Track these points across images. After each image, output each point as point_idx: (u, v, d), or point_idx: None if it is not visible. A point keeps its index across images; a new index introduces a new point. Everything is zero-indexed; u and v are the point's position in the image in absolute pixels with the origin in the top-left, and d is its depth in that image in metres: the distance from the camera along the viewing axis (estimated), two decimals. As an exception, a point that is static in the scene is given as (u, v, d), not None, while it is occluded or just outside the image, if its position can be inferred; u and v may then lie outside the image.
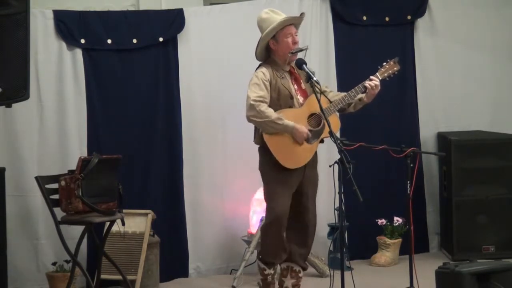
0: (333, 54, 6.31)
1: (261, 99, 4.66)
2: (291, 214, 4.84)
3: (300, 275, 5.03)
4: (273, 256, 4.85)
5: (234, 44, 6.05)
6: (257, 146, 4.87)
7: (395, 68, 4.95)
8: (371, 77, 4.86)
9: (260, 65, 4.87)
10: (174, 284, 5.88)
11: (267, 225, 4.84)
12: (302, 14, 4.92)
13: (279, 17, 4.81)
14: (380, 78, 4.87)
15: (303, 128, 4.72)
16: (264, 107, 4.64)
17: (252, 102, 4.64)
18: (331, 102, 4.78)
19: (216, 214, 6.06)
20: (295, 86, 4.87)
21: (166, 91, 5.98)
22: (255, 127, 4.83)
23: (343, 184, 4.40)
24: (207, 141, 6.04)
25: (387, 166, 6.17)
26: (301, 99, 4.84)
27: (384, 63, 4.94)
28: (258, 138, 4.81)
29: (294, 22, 4.85)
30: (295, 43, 4.79)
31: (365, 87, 4.82)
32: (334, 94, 5.02)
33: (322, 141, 4.92)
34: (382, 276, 5.84)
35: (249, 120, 4.71)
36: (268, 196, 4.85)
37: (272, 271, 4.90)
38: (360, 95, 4.86)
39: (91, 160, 4.88)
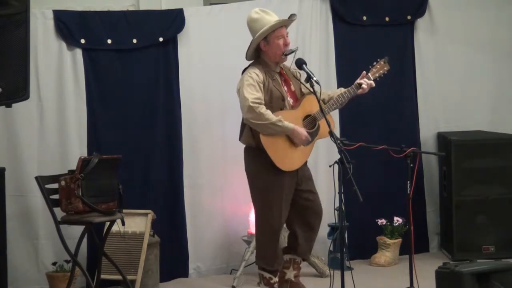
0: (333, 54, 6.31)
1: (259, 101, 4.63)
2: (298, 210, 4.82)
3: (301, 265, 5.03)
4: (272, 263, 4.81)
5: (234, 44, 6.03)
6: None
7: (385, 68, 4.97)
8: (364, 74, 4.85)
9: (250, 66, 4.83)
10: (174, 284, 5.88)
11: (264, 237, 4.79)
12: (292, 16, 4.88)
13: (270, 17, 4.78)
14: (372, 78, 4.88)
15: (303, 130, 4.70)
16: (263, 109, 4.62)
17: (251, 104, 4.60)
18: (325, 103, 4.79)
19: (216, 214, 6.06)
20: (285, 88, 4.85)
21: (166, 91, 5.98)
22: (242, 125, 4.80)
23: (343, 184, 4.39)
24: (207, 141, 6.04)
25: (387, 166, 6.16)
26: (291, 101, 4.83)
27: (375, 63, 4.96)
28: (247, 137, 4.75)
29: (286, 24, 4.83)
30: (286, 44, 4.76)
31: (358, 87, 4.81)
32: (323, 92, 4.97)
33: None
34: (382, 276, 5.84)
35: (249, 122, 4.66)
36: (263, 204, 4.78)
37: (277, 278, 4.88)
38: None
39: (91, 160, 4.88)
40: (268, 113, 4.62)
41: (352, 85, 4.85)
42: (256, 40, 4.76)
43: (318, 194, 5.83)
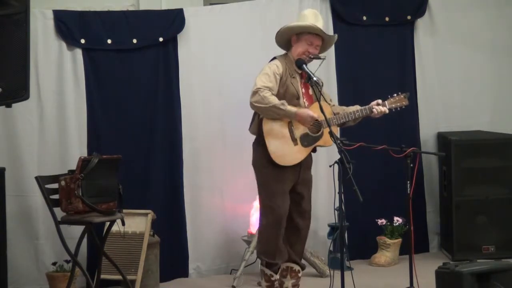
0: (333, 54, 6.30)
1: (267, 88, 4.69)
2: (288, 215, 4.84)
3: (299, 274, 5.03)
4: (274, 256, 4.82)
5: (234, 44, 6.05)
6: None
7: (404, 103, 5.02)
8: (380, 101, 4.88)
9: (276, 58, 4.90)
10: (174, 284, 5.88)
11: (268, 226, 4.82)
12: (333, 35, 5.00)
13: (313, 20, 4.84)
14: (388, 107, 4.91)
15: (306, 110, 4.72)
16: (268, 94, 4.67)
17: (256, 89, 4.67)
18: (335, 114, 4.83)
19: (216, 214, 6.06)
20: (303, 90, 4.90)
21: (166, 91, 5.98)
22: (253, 115, 4.82)
23: (343, 184, 4.40)
24: (207, 141, 6.04)
25: (387, 166, 6.17)
26: (306, 103, 4.87)
27: (395, 94, 5.01)
28: (255, 127, 4.81)
29: (321, 35, 4.85)
30: (309, 52, 4.81)
31: (372, 111, 4.86)
32: (337, 107, 5.05)
33: (314, 150, 4.93)
34: (382, 276, 5.84)
35: (252, 106, 4.72)
36: (266, 195, 4.83)
37: (278, 276, 4.89)
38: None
39: (91, 160, 4.88)
40: (272, 97, 4.68)
41: (366, 107, 4.90)
42: (288, 30, 4.83)
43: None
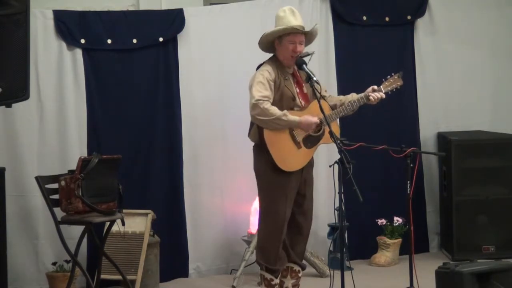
0: (333, 54, 6.31)
1: (266, 98, 4.63)
2: (290, 215, 4.84)
3: (300, 275, 5.02)
4: (274, 262, 4.81)
5: (234, 44, 6.05)
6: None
7: (398, 83, 4.98)
8: (375, 87, 4.86)
9: (265, 63, 4.84)
10: (174, 284, 5.88)
11: (268, 233, 4.79)
12: (314, 27, 4.87)
13: (292, 19, 4.76)
14: (384, 91, 4.89)
15: (309, 117, 4.69)
16: (268, 105, 4.61)
17: (255, 102, 4.60)
18: (333, 109, 4.80)
19: (216, 214, 6.06)
20: (297, 89, 4.86)
21: (166, 91, 5.98)
22: (251, 122, 4.81)
23: (343, 184, 4.39)
24: (207, 141, 6.04)
25: (387, 166, 6.17)
26: (302, 102, 4.84)
27: (388, 77, 4.96)
28: (255, 134, 4.76)
29: (301, 32, 4.78)
30: (295, 51, 4.75)
31: (369, 99, 4.84)
32: (334, 97, 5.02)
33: None
34: (382, 276, 5.84)
35: (254, 119, 4.67)
36: (268, 201, 4.79)
37: (278, 280, 4.88)
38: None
39: (91, 160, 4.88)
40: (273, 108, 4.62)
41: (362, 95, 4.86)
42: (266, 37, 4.78)
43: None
